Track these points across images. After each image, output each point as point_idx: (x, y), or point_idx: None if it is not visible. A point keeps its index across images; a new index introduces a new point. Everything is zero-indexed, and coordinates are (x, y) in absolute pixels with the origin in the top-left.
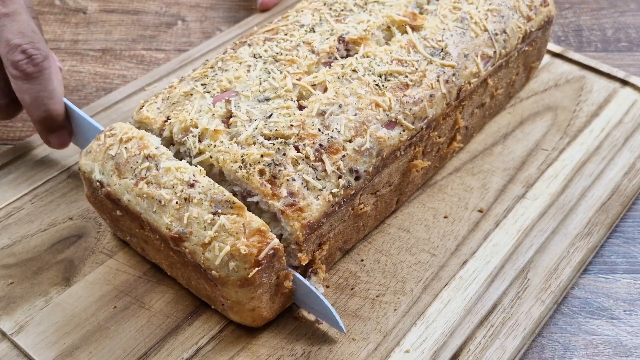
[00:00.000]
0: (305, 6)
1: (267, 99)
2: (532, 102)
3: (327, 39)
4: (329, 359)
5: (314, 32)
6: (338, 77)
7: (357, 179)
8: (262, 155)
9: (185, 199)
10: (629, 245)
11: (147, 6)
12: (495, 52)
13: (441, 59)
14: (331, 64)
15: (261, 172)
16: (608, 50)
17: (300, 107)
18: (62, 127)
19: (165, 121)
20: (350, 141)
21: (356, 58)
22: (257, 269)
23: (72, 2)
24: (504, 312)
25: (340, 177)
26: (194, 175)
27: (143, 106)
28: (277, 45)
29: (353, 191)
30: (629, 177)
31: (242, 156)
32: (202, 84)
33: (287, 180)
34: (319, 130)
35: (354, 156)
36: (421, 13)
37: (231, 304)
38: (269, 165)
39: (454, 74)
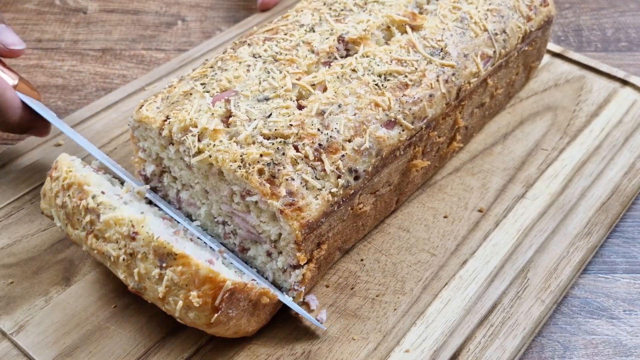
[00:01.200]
0: (305, 6)
1: (267, 99)
2: (532, 102)
3: (326, 38)
4: (329, 358)
5: (314, 31)
6: (337, 77)
7: (356, 178)
8: (261, 155)
9: (131, 254)
10: (628, 245)
11: (147, 6)
12: (495, 52)
13: (441, 59)
14: (331, 64)
15: (260, 172)
16: (608, 50)
17: (300, 107)
18: (30, 128)
19: (165, 120)
20: (349, 141)
21: (356, 58)
22: (216, 314)
23: (72, 2)
24: (503, 312)
25: (339, 176)
26: (133, 227)
27: (142, 105)
28: (276, 45)
29: (352, 191)
30: (629, 177)
31: (241, 155)
32: (201, 84)
33: (287, 179)
34: (318, 129)
35: (353, 156)
36: (421, 13)
37: (213, 333)
38: (268, 164)
39: (453, 74)
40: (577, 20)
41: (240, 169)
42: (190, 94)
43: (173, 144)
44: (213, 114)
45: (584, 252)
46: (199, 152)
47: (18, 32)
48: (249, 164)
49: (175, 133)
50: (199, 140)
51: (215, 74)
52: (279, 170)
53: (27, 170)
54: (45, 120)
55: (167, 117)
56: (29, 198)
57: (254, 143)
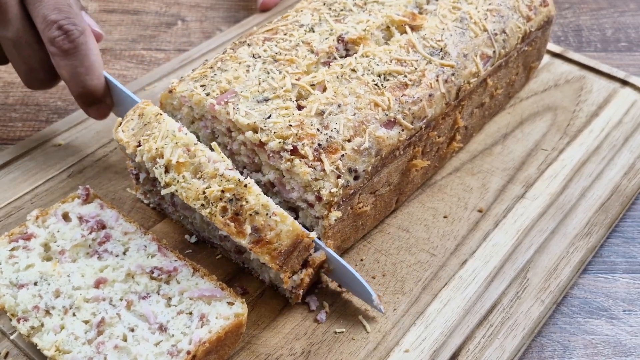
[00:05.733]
0: (304, 6)
1: (266, 100)
2: (532, 102)
3: (326, 38)
4: (329, 358)
5: (314, 32)
6: (337, 77)
7: (356, 178)
8: (222, 191)
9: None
10: (628, 245)
11: (147, 6)
12: (494, 52)
13: (440, 59)
14: (330, 64)
15: (224, 210)
16: (608, 50)
17: (299, 107)
18: (100, 101)
19: (138, 146)
20: (349, 141)
21: (355, 58)
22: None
23: None
24: (503, 312)
25: (339, 176)
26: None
27: (120, 124)
28: (276, 45)
29: (352, 191)
30: (629, 177)
31: (203, 192)
32: (201, 85)
33: (250, 215)
34: (318, 130)
35: (353, 156)
36: (420, 13)
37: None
38: (230, 201)
39: (453, 74)
40: (576, 20)
41: (204, 207)
42: (160, 114)
43: (148, 171)
44: (177, 142)
45: (584, 252)
46: (168, 184)
47: None
48: (212, 202)
49: (146, 162)
50: (166, 172)
51: (215, 74)
52: (241, 206)
53: (27, 171)
54: (111, 98)
55: (139, 143)
56: (29, 198)
57: (215, 177)
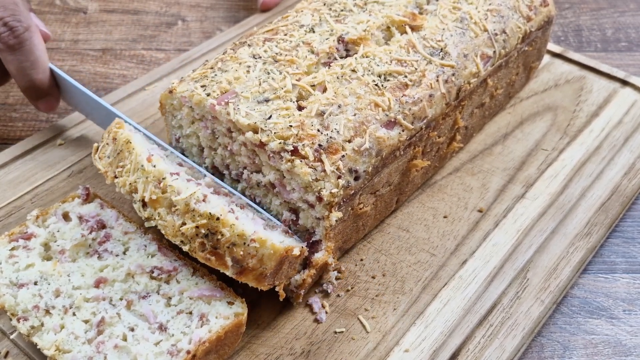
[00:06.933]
0: (305, 6)
1: (267, 100)
2: (532, 102)
3: (326, 39)
4: (329, 358)
5: (314, 32)
6: (337, 78)
7: (356, 179)
8: (197, 227)
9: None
10: (628, 245)
11: (147, 6)
12: (494, 52)
13: (440, 59)
14: (331, 64)
15: (202, 245)
16: (608, 50)
17: (300, 108)
18: (47, 94)
19: (115, 177)
20: (349, 141)
21: (355, 58)
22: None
23: (72, 2)
24: (503, 312)
25: (339, 177)
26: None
27: (97, 151)
28: (276, 46)
29: (352, 191)
30: (629, 177)
31: (180, 229)
32: (201, 85)
33: (228, 247)
34: (318, 130)
35: (354, 156)
36: (421, 13)
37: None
38: (206, 236)
39: (453, 74)
40: (577, 21)
41: (184, 244)
42: (129, 142)
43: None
44: (147, 177)
45: (584, 252)
46: (147, 218)
47: None
48: (190, 239)
49: (125, 195)
50: (144, 207)
51: (216, 75)
52: (217, 239)
53: (27, 171)
54: (58, 92)
55: (116, 175)
56: (29, 198)
57: (188, 212)
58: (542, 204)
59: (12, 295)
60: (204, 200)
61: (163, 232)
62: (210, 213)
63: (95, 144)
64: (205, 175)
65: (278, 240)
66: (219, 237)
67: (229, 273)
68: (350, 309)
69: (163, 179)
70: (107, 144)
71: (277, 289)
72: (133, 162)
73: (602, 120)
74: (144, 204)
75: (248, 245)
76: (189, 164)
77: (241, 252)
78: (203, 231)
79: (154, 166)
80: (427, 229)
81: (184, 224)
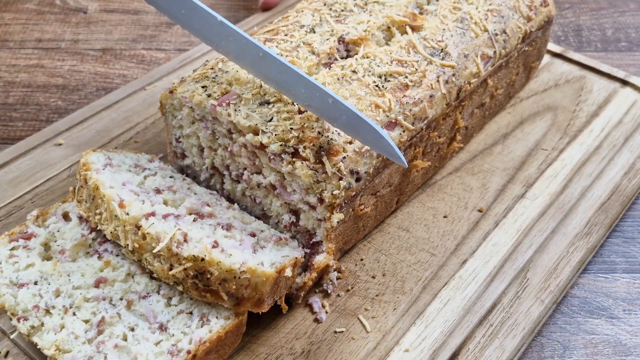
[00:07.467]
0: (305, 6)
1: (268, 102)
2: (532, 102)
3: (327, 39)
4: (329, 358)
5: (314, 32)
6: (338, 79)
7: (357, 180)
8: (185, 269)
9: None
10: (628, 244)
11: (148, 6)
12: (495, 52)
13: (441, 59)
14: (331, 65)
15: (195, 285)
16: (608, 50)
17: (301, 110)
18: None
19: (96, 224)
20: (350, 143)
21: (356, 59)
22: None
23: (72, 1)
24: (503, 312)
25: (341, 178)
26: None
27: (75, 191)
28: (277, 46)
29: (354, 192)
30: (629, 177)
31: (169, 273)
32: (202, 86)
33: (219, 284)
34: (319, 132)
35: (355, 157)
36: (421, 13)
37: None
38: (196, 276)
39: (453, 74)
40: (577, 20)
41: (177, 285)
42: (98, 188)
43: None
44: (125, 225)
45: (584, 252)
46: (139, 261)
47: (18, 31)
48: (182, 280)
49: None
50: (132, 253)
51: (216, 75)
52: (207, 278)
53: (27, 170)
54: None
55: (96, 222)
56: (29, 197)
57: (171, 256)
58: (542, 203)
59: (12, 295)
60: (185, 241)
61: (156, 275)
62: (194, 256)
63: (71, 187)
64: (185, 197)
65: (270, 260)
66: (209, 276)
67: (226, 305)
68: (350, 309)
69: (139, 226)
70: (82, 186)
71: (278, 302)
72: (107, 209)
73: (602, 120)
74: (132, 251)
75: (239, 278)
76: (166, 183)
77: (233, 286)
78: (192, 273)
79: (127, 213)
80: (427, 228)
81: (172, 267)
